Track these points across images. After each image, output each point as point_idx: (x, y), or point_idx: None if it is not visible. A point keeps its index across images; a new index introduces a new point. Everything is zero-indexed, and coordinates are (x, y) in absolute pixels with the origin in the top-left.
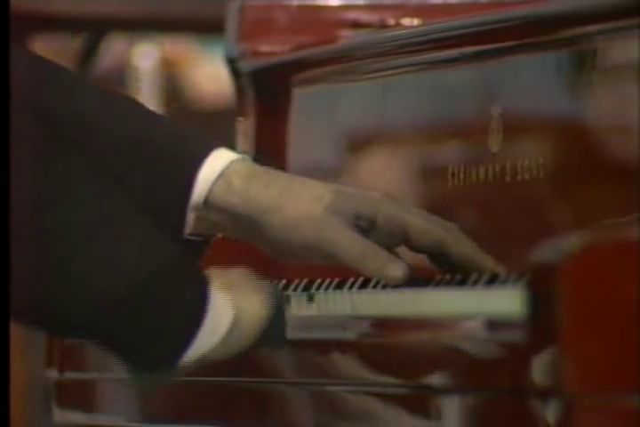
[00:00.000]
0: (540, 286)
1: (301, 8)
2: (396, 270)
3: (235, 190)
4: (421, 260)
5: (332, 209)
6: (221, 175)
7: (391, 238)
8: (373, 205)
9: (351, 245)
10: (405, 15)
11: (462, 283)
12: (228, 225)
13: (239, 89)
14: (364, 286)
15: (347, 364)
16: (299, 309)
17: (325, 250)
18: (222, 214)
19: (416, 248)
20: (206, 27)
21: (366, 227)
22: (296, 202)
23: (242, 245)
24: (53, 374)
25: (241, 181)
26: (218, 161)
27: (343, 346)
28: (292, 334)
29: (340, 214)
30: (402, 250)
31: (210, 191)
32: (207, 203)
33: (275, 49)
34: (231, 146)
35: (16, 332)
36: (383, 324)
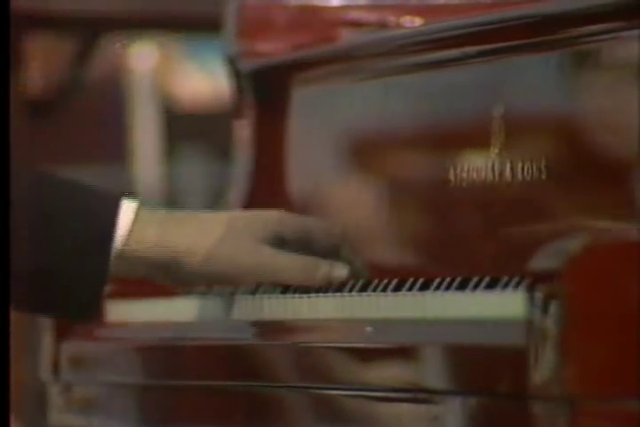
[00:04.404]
0: (542, 289)
1: (301, 8)
2: (341, 271)
3: (148, 238)
4: (421, 263)
5: (254, 236)
6: (132, 226)
7: (300, 246)
8: (279, 222)
9: (291, 266)
10: (406, 15)
11: (463, 286)
12: (143, 271)
13: (238, 89)
14: (363, 289)
15: (347, 367)
16: (295, 312)
17: (267, 277)
18: (138, 263)
19: (319, 250)
20: (204, 26)
21: (280, 243)
22: (215, 239)
23: None
24: (50, 376)
25: (153, 229)
26: (125, 214)
27: (342, 350)
28: (291, 337)
29: (262, 239)
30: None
31: (124, 244)
32: (123, 254)
33: (274, 49)
34: (228, 148)
35: (14, 335)
36: (383, 327)
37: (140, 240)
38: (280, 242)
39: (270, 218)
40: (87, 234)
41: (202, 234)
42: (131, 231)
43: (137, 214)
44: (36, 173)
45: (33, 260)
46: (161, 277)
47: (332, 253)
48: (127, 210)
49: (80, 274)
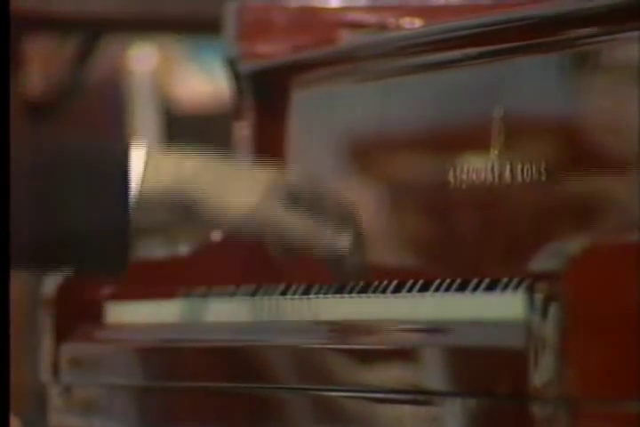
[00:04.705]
0: (541, 291)
1: (301, 9)
2: (345, 242)
3: (162, 182)
4: (421, 265)
5: (270, 191)
6: (145, 172)
7: (311, 210)
8: (296, 184)
9: (300, 226)
10: (405, 16)
11: (463, 288)
12: (162, 217)
13: (238, 91)
14: (363, 290)
15: (346, 369)
16: (295, 313)
17: (275, 232)
18: (156, 209)
19: (327, 218)
20: (204, 28)
21: (294, 203)
22: (233, 190)
23: (241, 250)
24: (49, 378)
25: (167, 172)
26: (136, 162)
27: (342, 351)
28: (290, 338)
29: (277, 196)
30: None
31: (140, 190)
32: (140, 201)
33: (274, 50)
34: (229, 150)
35: (14, 336)
36: (383, 329)
37: (155, 185)
38: (293, 202)
39: (288, 178)
40: (101, 186)
41: (217, 181)
42: (144, 177)
43: (147, 160)
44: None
45: (51, 220)
46: (178, 223)
47: (339, 224)
48: (137, 157)
49: (103, 227)
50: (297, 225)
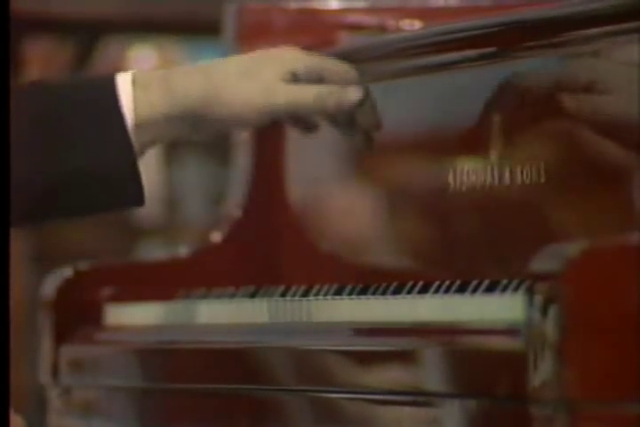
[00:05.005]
0: (541, 292)
1: (300, 11)
2: (354, 93)
3: (155, 98)
4: (420, 266)
5: (265, 74)
6: (135, 94)
7: (313, 82)
8: (292, 59)
9: (304, 93)
10: (405, 18)
11: (462, 289)
12: (167, 132)
13: None
14: (362, 292)
15: (346, 371)
16: (295, 315)
17: (286, 110)
18: (158, 126)
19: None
20: (203, 29)
21: (294, 79)
22: (227, 82)
23: (240, 252)
24: (49, 379)
25: (157, 88)
26: (124, 80)
27: (341, 353)
28: (289, 340)
29: (274, 76)
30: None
31: (136, 113)
32: (140, 123)
33: None
34: (229, 153)
35: (13, 338)
36: (382, 330)
37: (149, 103)
38: (293, 78)
39: (282, 56)
40: (96, 122)
41: (210, 80)
42: (136, 99)
43: (134, 82)
44: (28, 87)
45: (56, 166)
46: (186, 131)
47: (343, 84)
48: (124, 82)
49: (109, 162)
50: (304, 93)
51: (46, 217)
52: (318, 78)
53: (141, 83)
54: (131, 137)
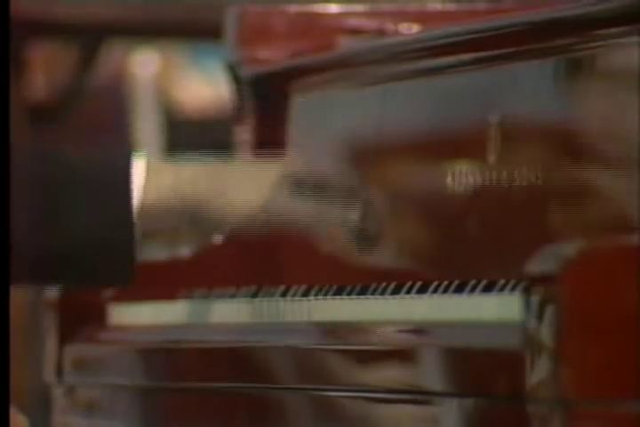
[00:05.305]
0: (538, 293)
1: (301, 14)
2: (353, 215)
3: (164, 189)
4: (419, 267)
5: (269, 182)
6: (146, 181)
7: (316, 191)
8: (294, 170)
9: (306, 210)
10: (404, 22)
11: (460, 290)
12: (168, 223)
13: (238, 95)
14: (362, 292)
15: (345, 369)
16: (295, 315)
17: (282, 221)
18: (161, 215)
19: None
20: (205, 33)
21: (297, 188)
22: (235, 189)
23: (239, 252)
24: (53, 378)
25: (168, 179)
26: (138, 169)
27: (341, 352)
28: (290, 339)
29: (277, 184)
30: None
31: (143, 198)
32: (144, 209)
33: (274, 56)
34: (230, 154)
35: (14, 337)
36: (382, 330)
37: (157, 192)
38: (297, 190)
39: (285, 166)
40: (104, 199)
41: (218, 183)
42: (146, 186)
43: (147, 170)
44: (40, 151)
45: (55, 235)
46: (185, 226)
47: (346, 199)
48: (137, 168)
49: (108, 240)
50: (305, 209)
51: (34, 280)
52: (321, 187)
53: (154, 173)
54: (134, 220)
